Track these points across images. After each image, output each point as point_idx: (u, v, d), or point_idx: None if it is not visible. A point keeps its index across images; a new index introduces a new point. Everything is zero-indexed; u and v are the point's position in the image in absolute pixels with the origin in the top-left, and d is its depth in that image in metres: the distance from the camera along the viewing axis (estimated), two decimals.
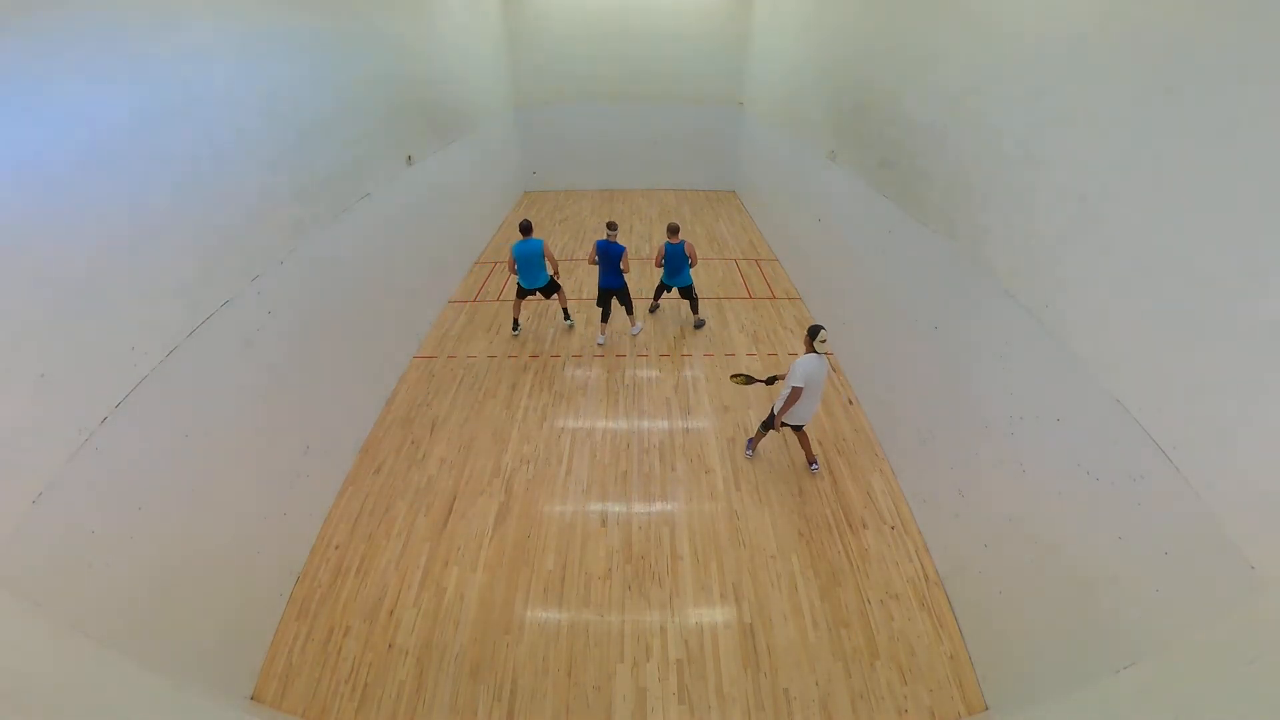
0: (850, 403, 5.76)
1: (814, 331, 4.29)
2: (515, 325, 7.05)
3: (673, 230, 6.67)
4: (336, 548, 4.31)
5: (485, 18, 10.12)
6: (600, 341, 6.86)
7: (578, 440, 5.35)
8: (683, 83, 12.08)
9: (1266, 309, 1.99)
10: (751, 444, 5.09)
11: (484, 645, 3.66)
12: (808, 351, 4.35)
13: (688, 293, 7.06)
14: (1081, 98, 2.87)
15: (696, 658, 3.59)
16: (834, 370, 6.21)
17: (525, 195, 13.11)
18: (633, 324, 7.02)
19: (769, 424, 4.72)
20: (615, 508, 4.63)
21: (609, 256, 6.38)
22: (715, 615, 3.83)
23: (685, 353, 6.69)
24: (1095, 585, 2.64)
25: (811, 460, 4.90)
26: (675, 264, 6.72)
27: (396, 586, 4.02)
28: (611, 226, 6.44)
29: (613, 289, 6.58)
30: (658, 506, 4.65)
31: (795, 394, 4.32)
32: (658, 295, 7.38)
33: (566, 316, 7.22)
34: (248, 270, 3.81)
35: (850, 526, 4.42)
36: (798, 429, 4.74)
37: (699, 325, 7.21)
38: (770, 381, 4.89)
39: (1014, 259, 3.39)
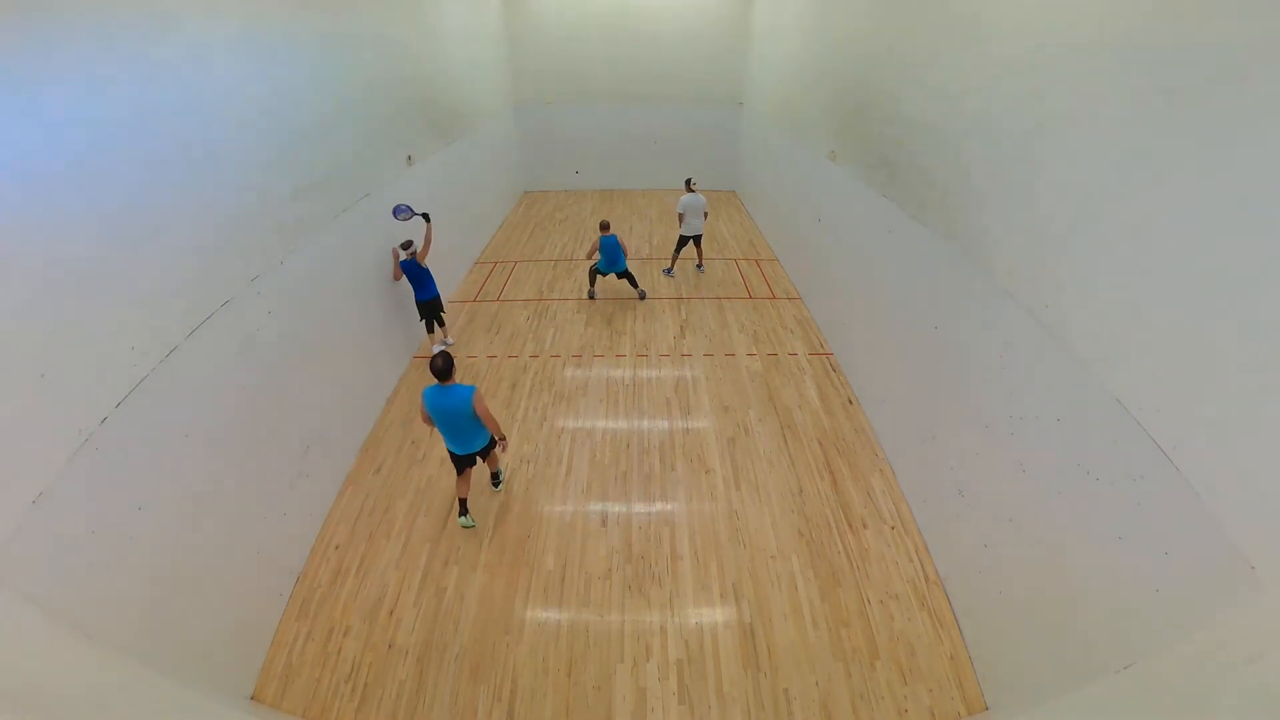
0: (850, 403, 5.76)
1: (688, 182, 8.27)
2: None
3: (605, 226, 7.62)
4: (336, 548, 4.31)
5: (485, 18, 10.12)
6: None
7: (578, 440, 5.35)
8: (683, 83, 12.08)
9: (1267, 308, 1.99)
10: (670, 271, 8.62)
11: (484, 645, 3.66)
12: (687, 193, 7.97)
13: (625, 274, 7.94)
14: (1081, 98, 2.86)
15: (696, 658, 3.59)
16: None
17: (525, 195, 13.11)
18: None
19: (679, 248, 8.42)
20: (615, 508, 4.63)
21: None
22: (715, 615, 3.83)
23: (685, 353, 6.69)
24: (1095, 585, 2.63)
25: (699, 264, 8.80)
26: (612, 254, 7.51)
27: (396, 586, 4.02)
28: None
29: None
30: (658, 506, 4.65)
31: (681, 217, 8.06)
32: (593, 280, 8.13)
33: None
34: (248, 270, 3.81)
35: (850, 526, 4.42)
36: (696, 243, 8.49)
37: (642, 296, 8.17)
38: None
39: (1014, 259, 3.39)
